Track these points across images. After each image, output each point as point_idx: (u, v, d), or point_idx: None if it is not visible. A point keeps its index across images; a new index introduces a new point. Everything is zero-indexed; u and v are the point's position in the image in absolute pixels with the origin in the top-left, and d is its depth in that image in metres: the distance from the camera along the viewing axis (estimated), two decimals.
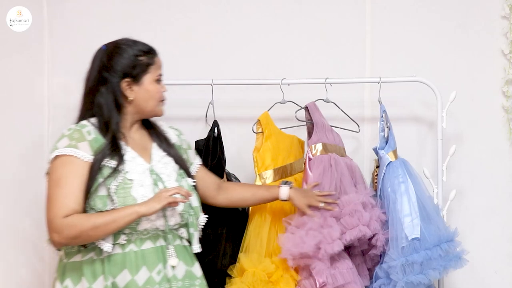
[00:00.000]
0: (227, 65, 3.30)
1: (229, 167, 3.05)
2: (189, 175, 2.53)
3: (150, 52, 2.48)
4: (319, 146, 2.91)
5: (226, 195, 2.76)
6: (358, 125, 3.10)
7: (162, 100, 2.51)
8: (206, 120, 3.07)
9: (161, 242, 2.40)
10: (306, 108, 2.98)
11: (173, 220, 2.42)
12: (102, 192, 2.30)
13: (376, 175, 2.98)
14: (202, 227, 2.53)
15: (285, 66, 3.24)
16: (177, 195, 2.35)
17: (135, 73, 2.42)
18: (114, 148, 2.35)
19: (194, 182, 2.54)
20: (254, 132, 2.95)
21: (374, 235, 2.82)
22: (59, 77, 3.30)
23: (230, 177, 3.04)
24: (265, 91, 3.08)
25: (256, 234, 2.83)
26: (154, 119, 2.59)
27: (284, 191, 2.75)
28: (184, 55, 3.31)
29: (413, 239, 2.79)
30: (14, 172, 3.25)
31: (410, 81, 3.04)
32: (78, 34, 3.34)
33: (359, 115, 3.20)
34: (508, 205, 3.26)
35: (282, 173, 2.94)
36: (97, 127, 2.39)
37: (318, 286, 2.72)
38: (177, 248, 2.43)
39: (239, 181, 3.07)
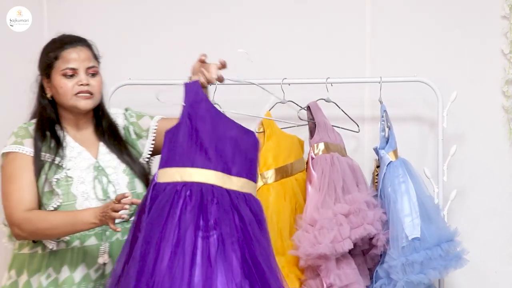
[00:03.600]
0: (227, 65, 3.29)
1: None
2: (136, 172, 2.40)
3: (60, 45, 2.39)
4: (321, 146, 2.90)
5: None
6: (358, 125, 3.10)
7: (77, 94, 2.36)
8: None
9: (104, 239, 2.38)
10: (308, 108, 2.98)
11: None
12: (46, 188, 2.32)
13: (377, 175, 2.98)
14: None
15: (285, 66, 3.24)
16: (122, 214, 2.21)
17: (46, 70, 2.38)
18: (53, 144, 2.36)
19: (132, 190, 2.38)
20: (256, 132, 2.94)
21: (375, 235, 2.83)
22: None
23: None
24: (266, 91, 3.07)
25: None
26: (107, 108, 2.49)
27: None
28: (184, 55, 3.30)
29: (413, 238, 2.79)
30: None
31: (411, 81, 3.05)
32: (78, 34, 3.32)
33: (359, 115, 3.20)
34: (508, 205, 3.26)
35: (283, 173, 2.93)
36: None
37: (325, 287, 2.72)
38: (115, 243, 2.36)
39: None
